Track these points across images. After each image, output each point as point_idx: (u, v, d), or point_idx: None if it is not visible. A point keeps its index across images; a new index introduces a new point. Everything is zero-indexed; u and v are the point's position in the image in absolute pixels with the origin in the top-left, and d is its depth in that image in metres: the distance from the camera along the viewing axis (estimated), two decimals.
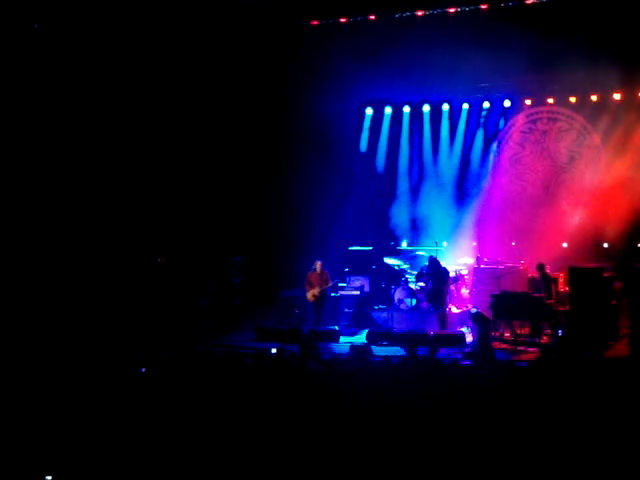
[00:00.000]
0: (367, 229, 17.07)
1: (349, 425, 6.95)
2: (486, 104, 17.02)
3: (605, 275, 12.96)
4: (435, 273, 13.70)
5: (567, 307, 13.11)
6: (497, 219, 16.64)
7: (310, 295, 14.23)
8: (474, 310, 13.54)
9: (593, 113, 16.32)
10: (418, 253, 16.09)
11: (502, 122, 17.20)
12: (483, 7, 15.23)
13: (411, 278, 15.37)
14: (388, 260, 16.07)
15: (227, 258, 15.98)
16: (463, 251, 15.57)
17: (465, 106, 17.16)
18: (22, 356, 10.53)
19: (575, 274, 13.05)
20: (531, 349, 12.53)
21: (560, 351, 10.95)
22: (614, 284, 13.26)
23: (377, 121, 17.85)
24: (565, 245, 15.69)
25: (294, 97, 16.47)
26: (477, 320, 13.08)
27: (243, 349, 12.46)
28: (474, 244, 15.71)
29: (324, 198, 16.56)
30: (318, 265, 14.24)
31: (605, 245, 15.53)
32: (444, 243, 15.55)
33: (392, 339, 12.94)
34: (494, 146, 17.27)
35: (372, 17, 15.87)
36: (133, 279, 14.45)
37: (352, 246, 16.12)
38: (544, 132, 16.94)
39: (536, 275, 13.68)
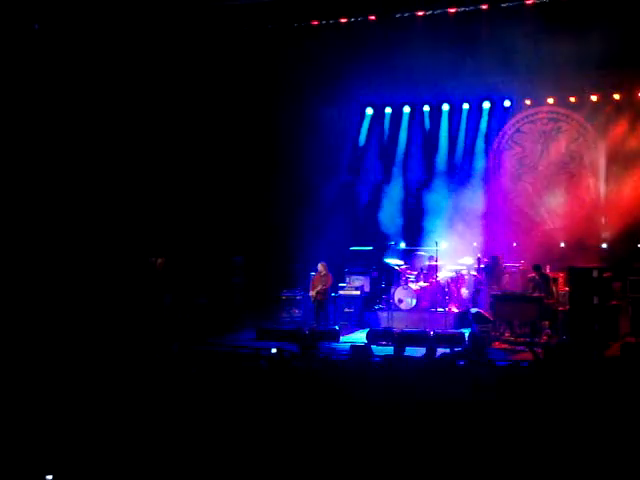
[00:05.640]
0: (367, 229, 17.10)
1: (349, 425, 6.96)
2: (486, 104, 17.04)
3: (605, 275, 12.99)
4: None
5: (567, 307, 13.14)
6: (497, 219, 16.65)
7: (311, 296, 14.49)
8: (474, 310, 13.58)
9: (593, 113, 16.34)
10: (418, 253, 16.11)
11: (502, 122, 17.21)
12: (483, 7, 15.24)
13: (411, 278, 15.40)
14: (388, 260, 16.09)
15: (228, 258, 15.99)
16: (463, 251, 15.57)
17: (465, 106, 17.18)
18: (23, 357, 10.53)
19: (575, 274, 13.08)
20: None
21: (560, 351, 10.94)
22: (614, 284, 13.28)
23: (377, 121, 17.87)
24: (564, 245, 15.71)
25: (294, 97, 16.48)
26: (476, 320, 13.13)
27: (243, 349, 12.47)
28: (474, 244, 15.72)
29: (324, 198, 16.57)
30: (320, 267, 14.36)
31: (604, 245, 15.55)
32: (444, 243, 15.55)
33: (392, 339, 12.94)
34: (494, 146, 17.30)
35: (372, 17, 15.88)
36: (132, 279, 14.45)
37: (352, 246, 16.13)
38: (544, 132, 16.95)
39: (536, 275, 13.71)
